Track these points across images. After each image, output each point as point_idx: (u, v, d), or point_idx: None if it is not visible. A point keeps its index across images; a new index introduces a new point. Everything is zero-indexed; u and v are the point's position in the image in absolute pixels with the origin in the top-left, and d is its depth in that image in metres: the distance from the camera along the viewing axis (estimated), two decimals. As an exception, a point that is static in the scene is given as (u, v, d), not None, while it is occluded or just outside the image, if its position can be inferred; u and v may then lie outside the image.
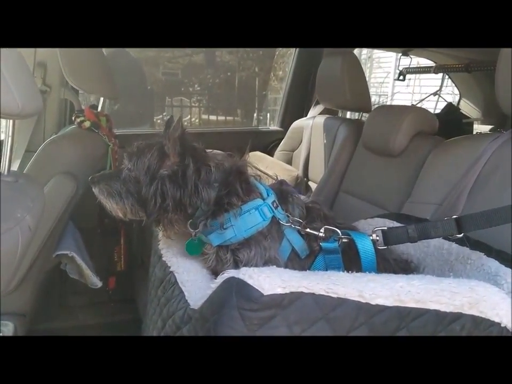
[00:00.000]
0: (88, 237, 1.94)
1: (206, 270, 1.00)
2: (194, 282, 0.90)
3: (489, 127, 2.59)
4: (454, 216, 0.91)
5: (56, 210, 1.43)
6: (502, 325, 0.70)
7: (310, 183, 2.15)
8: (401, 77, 2.67)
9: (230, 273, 0.67)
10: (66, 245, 1.71)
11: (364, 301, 0.65)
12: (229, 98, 4.26)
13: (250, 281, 0.63)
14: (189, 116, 4.05)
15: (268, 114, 3.77)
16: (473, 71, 2.24)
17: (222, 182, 0.97)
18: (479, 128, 2.63)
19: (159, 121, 4.04)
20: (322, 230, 0.98)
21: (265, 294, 0.62)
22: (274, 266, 0.68)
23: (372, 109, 2.04)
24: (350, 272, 0.90)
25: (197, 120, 4.10)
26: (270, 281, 0.62)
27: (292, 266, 1.00)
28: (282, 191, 1.04)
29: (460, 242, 1.01)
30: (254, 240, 0.95)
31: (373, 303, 0.65)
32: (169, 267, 0.97)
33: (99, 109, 1.82)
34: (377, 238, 0.96)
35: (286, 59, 2.96)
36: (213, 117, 4.16)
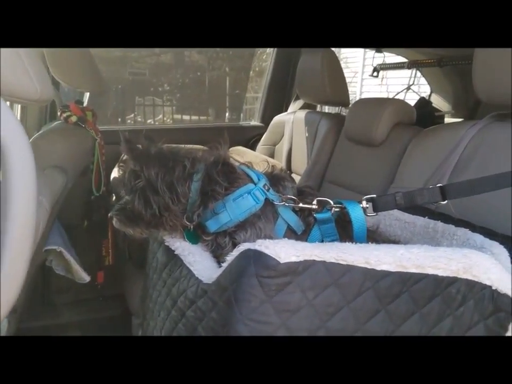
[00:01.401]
0: (73, 232, 1.94)
1: (210, 253, 1.04)
2: (201, 263, 0.93)
3: (460, 120, 2.72)
4: (439, 184, 0.96)
5: (52, 197, 1.43)
6: (493, 288, 0.77)
7: (293, 175, 2.21)
8: (375, 73, 2.77)
9: (245, 245, 0.71)
10: (54, 240, 1.70)
11: (369, 267, 0.71)
12: (200, 98, 4.27)
13: (267, 251, 0.67)
14: (161, 115, 4.05)
15: (242, 114, 3.80)
16: (444, 66, 2.34)
17: (205, 173, 1.01)
18: (450, 120, 2.75)
19: (129, 120, 4.02)
20: (314, 202, 1.04)
21: (281, 262, 0.66)
22: (286, 238, 0.73)
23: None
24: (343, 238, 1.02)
25: (170, 120, 4.10)
26: (285, 250, 0.67)
27: None
28: (273, 176, 1.09)
29: (444, 220, 1.09)
30: (249, 222, 1.00)
31: (378, 268, 0.71)
32: (173, 251, 1.01)
33: (85, 104, 1.82)
34: (367, 205, 1.01)
35: (263, 56, 3.01)
36: (186, 117, 4.16)
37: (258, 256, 0.68)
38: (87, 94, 1.85)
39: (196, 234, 1.05)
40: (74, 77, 1.61)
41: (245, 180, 1.04)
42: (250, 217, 1.00)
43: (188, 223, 1.03)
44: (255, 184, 1.03)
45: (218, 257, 1.03)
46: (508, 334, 0.79)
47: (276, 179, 1.08)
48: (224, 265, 0.75)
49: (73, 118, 1.65)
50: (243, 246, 0.72)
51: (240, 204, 1.00)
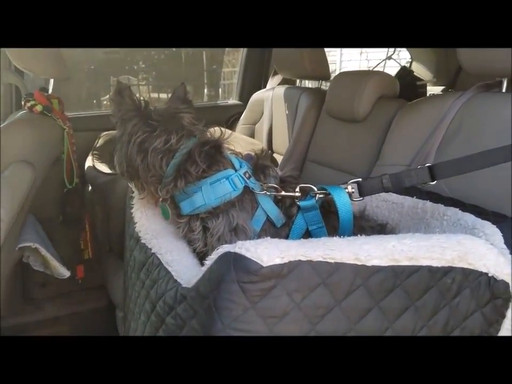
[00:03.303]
0: (50, 227, 1.86)
1: (189, 249, 0.98)
2: (180, 262, 0.87)
3: (441, 88, 2.67)
4: (427, 164, 0.92)
5: (15, 201, 1.35)
6: (490, 275, 0.73)
7: (274, 155, 2.14)
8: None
9: (224, 248, 0.65)
10: (28, 237, 1.63)
11: (360, 263, 0.65)
12: (177, 75, 4.14)
13: (247, 254, 0.61)
14: (138, 95, 3.91)
15: (220, 89, 3.70)
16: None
17: (188, 152, 0.97)
18: (431, 89, 2.69)
19: (104, 102, 3.88)
20: (297, 189, 0.99)
21: (264, 265, 0.61)
22: (269, 237, 0.67)
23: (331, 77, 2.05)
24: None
25: (147, 99, 3.96)
26: (268, 252, 0.61)
27: (266, 235, 1.00)
28: (257, 165, 1.04)
29: (434, 200, 1.04)
30: (222, 209, 0.96)
31: (369, 264, 0.66)
32: (150, 249, 0.95)
33: (50, 91, 1.71)
34: (353, 190, 0.97)
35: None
36: (163, 95, 4.04)
37: (238, 260, 0.62)
38: (52, 81, 1.73)
39: (168, 209, 1.02)
40: (36, 64, 1.50)
41: (226, 164, 0.99)
42: (224, 204, 0.96)
43: (159, 194, 1.00)
44: (236, 170, 0.99)
45: (189, 242, 1.00)
46: (507, 320, 0.76)
47: (259, 167, 1.04)
48: (203, 269, 0.69)
49: (39, 107, 1.55)
50: (222, 249, 0.66)
51: (216, 189, 0.96)
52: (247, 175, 0.99)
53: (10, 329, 1.82)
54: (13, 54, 1.44)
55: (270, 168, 1.04)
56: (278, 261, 0.61)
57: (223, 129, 1.04)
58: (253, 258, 0.61)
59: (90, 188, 2.03)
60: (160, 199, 1.01)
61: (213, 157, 0.98)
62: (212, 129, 1.04)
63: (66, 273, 1.70)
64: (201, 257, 0.99)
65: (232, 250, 0.63)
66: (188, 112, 1.03)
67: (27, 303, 2.08)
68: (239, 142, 1.74)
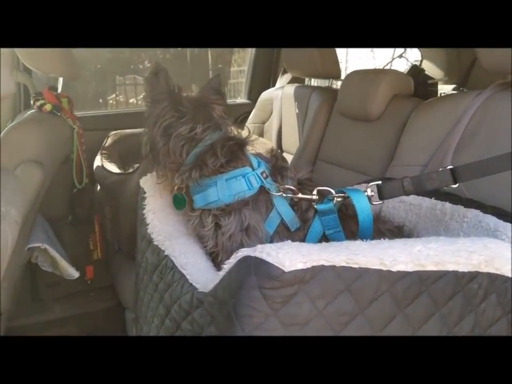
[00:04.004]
0: (58, 226, 1.84)
1: (202, 251, 0.96)
2: (194, 265, 0.86)
3: (452, 86, 2.63)
4: (449, 167, 0.89)
5: (26, 202, 1.33)
6: (517, 280, 0.70)
7: (284, 154, 2.12)
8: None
9: (244, 252, 0.63)
10: (37, 237, 1.61)
11: (385, 269, 0.63)
12: (182, 74, 4.12)
13: (269, 259, 0.59)
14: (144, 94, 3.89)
15: (226, 88, 3.68)
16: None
17: (211, 144, 0.96)
18: (443, 88, 2.66)
19: (110, 101, 3.86)
20: (315, 192, 0.97)
21: (286, 270, 0.58)
22: (289, 241, 0.64)
23: (342, 76, 2.03)
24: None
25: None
26: (290, 257, 0.59)
27: (279, 239, 0.99)
28: (276, 166, 1.02)
29: (453, 201, 1.02)
30: (235, 207, 0.95)
31: (394, 269, 0.63)
32: (163, 251, 0.93)
33: (59, 90, 1.69)
34: (372, 193, 0.94)
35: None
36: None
37: (259, 265, 0.59)
38: (61, 79, 1.72)
39: (183, 199, 1.01)
40: (45, 62, 1.48)
41: (245, 162, 0.98)
42: (237, 202, 0.94)
43: (176, 182, 0.99)
44: (254, 169, 0.97)
45: (199, 237, 0.99)
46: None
47: (277, 168, 1.02)
48: (221, 273, 0.67)
49: (48, 107, 1.53)
50: (241, 253, 0.63)
51: (231, 186, 0.95)
52: (264, 175, 0.97)
53: (19, 329, 1.81)
54: (22, 53, 1.42)
55: (288, 169, 1.02)
56: (300, 266, 0.59)
57: (251, 130, 1.04)
58: (275, 263, 0.59)
59: (99, 187, 2.01)
60: (176, 187, 1.00)
61: (234, 153, 0.97)
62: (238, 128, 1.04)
63: (75, 274, 1.68)
64: (213, 258, 0.98)
65: (252, 255, 0.61)
66: (219, 104, 1.03)
67: (35, 303, 2.07)
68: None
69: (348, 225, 0.97)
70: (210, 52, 4.08)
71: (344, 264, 0.61)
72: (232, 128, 1.03)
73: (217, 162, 0.95)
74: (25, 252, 1.55)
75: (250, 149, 1.01)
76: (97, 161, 1.97)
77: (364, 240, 0.70)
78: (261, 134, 2.28)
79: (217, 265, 0.95)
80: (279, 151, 2.14)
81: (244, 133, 1.03)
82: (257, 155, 1.02)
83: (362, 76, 1.69)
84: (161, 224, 1.01)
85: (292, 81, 2.35)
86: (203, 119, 0.98)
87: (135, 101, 3.80)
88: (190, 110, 0.98)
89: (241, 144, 0.99)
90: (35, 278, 2.03)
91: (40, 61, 1.46)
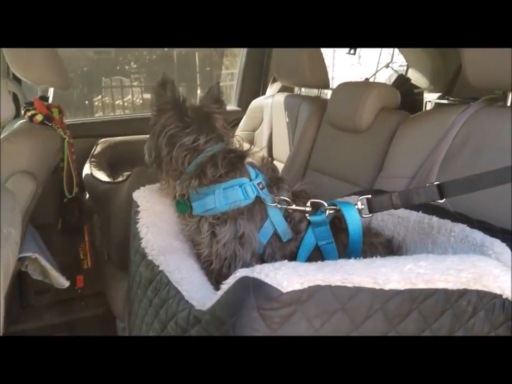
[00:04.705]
0: (48, 235, 1.83)
1: (197, 265, 0.97)
2: (189, 280, 0.86)
3: (437, 94, 2.68)
4: (436, 182, 0.92)
5: (19, 214, 1.33)
6: (504, 297, 0.73)
7: (275, 162, 2.14)
8: (352, 51, 2.70)
9: (242, 272, 0.65)
10: (28, 247, 1.61)
11: (378, 287, 0.65)
12: (169, 76, 4.10)
13: (267, 280, 0.61)
14: (130, 96, 3.87)
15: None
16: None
17: (212, 155, 1.00)
18: (428, 96, 2.71)
19: (96, 103, 3.83)
20: (308, 204, 1.01)
21: (284, 291, 0.60)
22: (286, 261, 0.66)
23: (330, 85, 2.05)
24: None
25: (139, 101, 3.93)
26: (288, 277, 0.61)
27: (272, 249, 1.01)
28: (272, 177, 1.05)
29: (441, 215, 1.04)
30: (230, 216, 0.97)
31: (387, 288, 0.65)
32: (158, 266, 0.93)
33: (50, 100, 1.69)
34: (362, 206, 0.97)
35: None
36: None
37: (258, 286, 0.61)
38: (52, 89, 1.71)
39: (186, 204, 1.04)
40: (36, 72, 1.48)
41: (243, 173, 1.01)
42: (233, 211, 0.97)
43: (177, 189, 1.03)
44: (251, 180, 1.01)
45: (193, 242, 1.03)
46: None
47: (273, 180, 1.05)
48: (219, 293, 0.68)
49: (39, 117, 1.53)
50: (240, 273, 0.65)
51: (228, 194, 0.98)
52: (260, 186, 1.00)
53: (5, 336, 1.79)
54: (13, 63, 1.42)
55: (284, 181, 1.05)
56: (297, 286, 0.61)
57: (252, 146, 1.09)
58: (273, 284, 0.60)
59: (87, 195, 2.01)
60: (177, 194, 1.04)
61: (234, 164, 1.00)
62: (240, 140, 1.07)
63: (65, 283, 1.67)
64: (206, 267, 1.00)
65: (250, 275, 0.63)
66: (220, 113, 1.06)
67: (24, 310, 2.06)
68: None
69: (340, 238, 1.00)
70: (197, 54, 4.08)
71: (339, 283, 0.63)
72: (234, 139, 1.07)
73: (216, 173, 0.98)
74: (16, 262, 1.54)
75: (250, 161, 1.05)
76: (86, 169, 1.96)
77: (354, 253, 0.72)
78: (251, 142, 2.29)
79: (211, 273, 0.98)
80: (270, 159, 2.16)
81: (245, 146, 1.07)
82: (255, 166, 1.05)
83: (351, 88, 1.72)
84: (155, 238, 1.02)
85: (281, 90, 2.38)
86: (206, 130, 1.01)
87: (121, 103, 3.78)
88: (194, 120, 1.01)
89: (241, 156, 1.03)
90: (24, 285, 2.02)
91: (31, 71, 1.46)
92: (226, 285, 0.67)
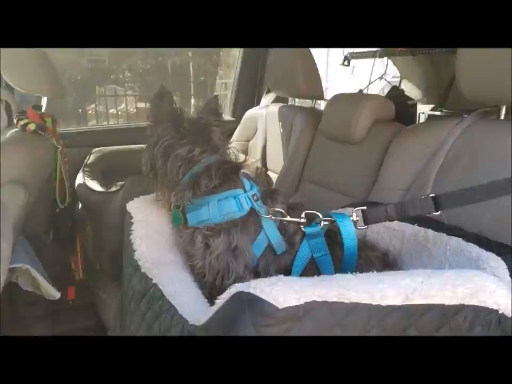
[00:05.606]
0: (39, 245, 1.81)
1: (191, 278, 0.96)
2: (183, 294, 0.86)
3: (431, 106, 2.71)
4: (431, 195, 0.92)
5: (11, 227, 1.31)
6: (500, 312, 0.72)
7: (269, 173, 2.14)
8: (346, 62, 2.72)
9: (237, 287, 0.64)
10: (19, 257, 1.58)
11: (374, 303, 0.64)
12: (167, 88, 4.10)
13: (262, 296, 0.60)
14: (124, 105, 3.86)
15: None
16: (418, 54, 2.31)
17: (206, 167, 1.00)
18: (421, 108, 2.73)
19: (90, 111, 3.82)
20: (303, 215, 1.00)
21: (280, 307, 0.59)
22: (282, 275, 0.65)
23: (325, 96, 2.06)
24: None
25: (133, 110, 3.92)
26: (284, 293, 0.60)
27: (266, 262, 1.01)
28: (268, 190, 1.06)
29: (435, 228, 1.04)
30: (224, 227, 0.97)
31: (384, 304, 0.65)
32: (151, 279, 0.92)
33: (43, 109, 1.68)
34: (357, 218, 0.97)
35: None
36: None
37: (253, 302, 0.60)
38: (45, 98, 1.70)
39: (179, 216, 1.03)
40: (30, 81, 1.47)
41: (237, 184, 1.01)
42: (227, 222, 0.97)
43: (172, 201, 1.03)
44: (245, 192, 1.00)
45: (189, 258, 1.02)
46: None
47: (268, 192, 1.05)
48: (214, 308, 0.67)
49: (32, 126, 1.51)
50: (235, 288, 0.64)
51: (222, 206, 0.97)
52: (255, 198, 1.00)
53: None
54: (6, 72, 1.41)
55: (279, 193, 1.05)
56: (293, 302, 0.60)
57: (247, 157, 1.10)
58: (269, 300, 0.59)
59: (80, 205, 1.99)
60: (172, 205, 1.04)
61: (228, 176, 1.00)
62: (235, 151, 1.08)
63: (56, 294, 1.65)
64: (200, 279, 0.99)
65: (246, 291, 0.62)
66: (217, 126, 1.07)
67: (14, 321, 2.02)
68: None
69: (335, 252, 1.00)
70: (191, 64, 4.08)
71: (335, 299, 0.63)
72: (230, 151, 1.07)
73: (211, 184, 0.98)
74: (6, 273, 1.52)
75: (244, 173, 1.05)
76: (80, 179, 1.95)
77: (349, 264, 0.71)
78: (245, 152, 2.30)
79: (205, 286, 0.98)
80: (264, 169, 2.16)
81: (240, 157, 1.07)
82: (250, 178, 1.05)
83: (345, 100, 1.73)
84: (149, 251, 1.01)
85: (276, 101, 2.39)
86: (202, 141, 1.02)
87: (115, 112, 3.77)
88: (190, 132, 1.02)
89: (236, 168, 1.03)
90: (14, 296, 1.99)
91: (25, 79, 1.45)
92: (221, 300, 0.66)
